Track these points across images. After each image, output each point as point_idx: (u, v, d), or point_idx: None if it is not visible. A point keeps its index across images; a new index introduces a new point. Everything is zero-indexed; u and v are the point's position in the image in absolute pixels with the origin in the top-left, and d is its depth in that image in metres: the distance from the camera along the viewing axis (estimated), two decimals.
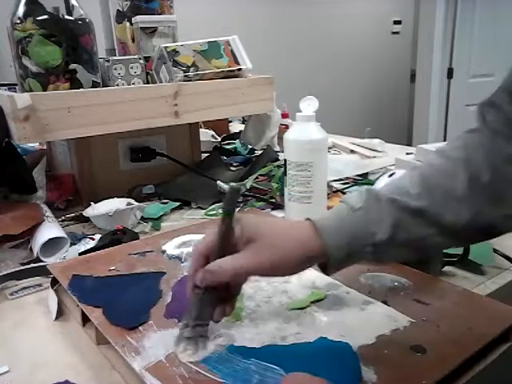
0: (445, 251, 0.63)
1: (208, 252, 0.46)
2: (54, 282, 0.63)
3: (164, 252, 0.68)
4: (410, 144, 3.08)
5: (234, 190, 0.44)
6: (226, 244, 0.45)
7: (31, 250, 0.75)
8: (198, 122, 1.13)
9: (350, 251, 0.44)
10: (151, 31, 1.07)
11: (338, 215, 0.46)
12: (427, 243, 0.44)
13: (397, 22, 4.25)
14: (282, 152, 0.83)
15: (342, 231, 0.44)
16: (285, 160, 0.79)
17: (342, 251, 0.44)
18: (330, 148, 1.42)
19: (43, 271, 0.67)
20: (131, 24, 1.08)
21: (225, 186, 0.96)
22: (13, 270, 0.69)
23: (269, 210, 0.93)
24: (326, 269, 0.46)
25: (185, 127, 1.11)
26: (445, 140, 3.41)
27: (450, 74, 3.38)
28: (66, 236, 0.77)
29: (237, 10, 3.36)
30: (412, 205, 0.43)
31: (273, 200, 0.95)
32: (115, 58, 0.99)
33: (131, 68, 0.99)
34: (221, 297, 0.47)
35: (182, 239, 0.72)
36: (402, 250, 0.45)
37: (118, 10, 1.10)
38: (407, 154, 1.23)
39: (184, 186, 1.05)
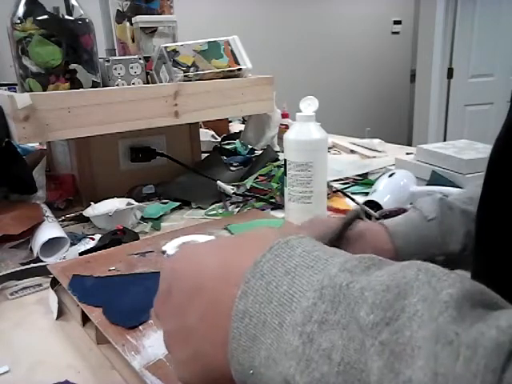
0: None
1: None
2: (54, 282, 0.63)
3: (164, 252, 0.68)
4: (410, 144, 3.08)
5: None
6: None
7: (31, 250, 0.75)
8: (197, 122, 1.13)
9: (420, 258, 0.45)
10: (151, 31, 1.07)
11: (411, 222, 0.47)
12: None
13: (397, 22, 4.26)
14: (282, 152, 0.83)
15: (413, 238, 0.46)
16: (285, 160, 0.79)
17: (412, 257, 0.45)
18: (330, 148, 1.42)
19: (43, 271, 0.67)
20: (131, 24, 1.08)
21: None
22: (13, 270, 0.69)
23: (269, 210, 0.93)
24: None
25: (185, 127, 1.11)
26: (445, 140, 3.42)
27: (449, 74, 3.38)
28: (66, 236, 0.76)
29: (237, 10, 3.36)
30: None
31: (273, 200, 0.95)
32: (115, 58, 0.99)
33: (131, 68, 0.99)
34: None
35: (182, 240, 0.72)
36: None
37: (117, 9, 1.10)
38: (407, 153, 1.23)
39: (184, 186, 1.05)
